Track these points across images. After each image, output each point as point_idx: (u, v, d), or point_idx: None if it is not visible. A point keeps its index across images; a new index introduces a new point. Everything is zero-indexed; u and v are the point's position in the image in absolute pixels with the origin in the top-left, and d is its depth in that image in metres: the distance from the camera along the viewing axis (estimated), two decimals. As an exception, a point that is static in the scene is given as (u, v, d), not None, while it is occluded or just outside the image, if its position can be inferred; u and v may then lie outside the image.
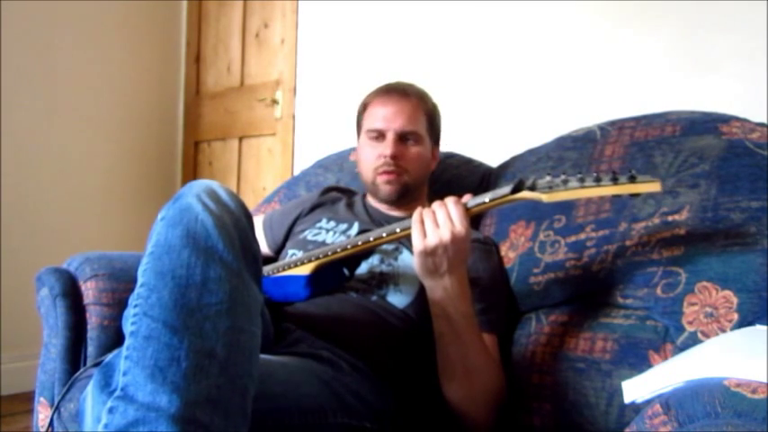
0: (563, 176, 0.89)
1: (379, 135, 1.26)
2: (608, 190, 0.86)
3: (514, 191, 0.93)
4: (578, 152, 1.24)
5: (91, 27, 2.69)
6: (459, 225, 0.94)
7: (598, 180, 0.86)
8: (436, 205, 0.97)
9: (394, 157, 1.24)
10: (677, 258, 0.99)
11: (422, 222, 0.96)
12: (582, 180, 0.87)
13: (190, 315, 0.71)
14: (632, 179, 0.85)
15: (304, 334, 1.07)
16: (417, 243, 0.95)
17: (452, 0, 1.99)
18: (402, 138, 1.25)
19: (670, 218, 1.03)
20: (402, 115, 1.25)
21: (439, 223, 0.94)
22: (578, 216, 1.14)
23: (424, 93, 1.32)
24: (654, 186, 0.85)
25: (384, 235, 1.05)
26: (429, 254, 0.94)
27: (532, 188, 0.90)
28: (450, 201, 0.97)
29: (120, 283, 1.27)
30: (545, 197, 0.88)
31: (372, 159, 1.27)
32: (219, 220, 0.77)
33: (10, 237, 2.43)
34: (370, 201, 1.35)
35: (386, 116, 1.26)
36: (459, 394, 1.02)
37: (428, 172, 1.33)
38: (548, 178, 0.90)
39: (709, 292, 0.93)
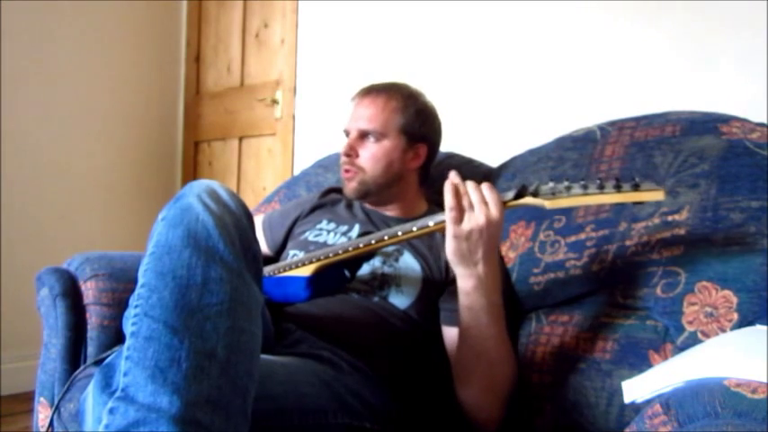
0: (566, 183, 0.88)
1: (348, 135, 1.28)
2: (611, 198, 0.85)
3: (517, 196, 0.92)
4: (578, 152, 1.24)
5: (91, 27, 2.68)
6: (495, 210, 0.92)
7: (601, 187, 0.85)
8: (471, 187, 0.94)
9: (347, 154, 1.25)
10: (677, 258, 0.99)
11: (456, 208, 0.93)
12: (585, 187, 0.86)
13: (190, 315, 0.71)
14: (636, 187, 0.83)
15: (305, 334, 1.07)
16: (452, 226, 0.92)
17: (453, 0, 1.99)
18: (363, 136, 1.26)
19: (670, 218, 1.03)
20: (365, 114, 1.25)
21: (474, 206, 0.92)
22: (578, 216, 1.14)
23: (406, 92, 1.29)
24: (657, 195, 0.83)
25: (386, 238, 1.05)
26: (465, 238, 0.92)
27: (535, 194, 0.90)
28: (485, 185, 0.94)
29: (120, 283, 1.27)
30: (548, 204, 0.88)
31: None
32: (220, 221, 0.77)
33: (10, 237, 2.43)
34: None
35: (353, 116, 1.27)
36: (478, 386, 1.01)
37: (397, 169, 1.26)
38: (551, 184, 0.89)
39: (708, 291, 0.93)
